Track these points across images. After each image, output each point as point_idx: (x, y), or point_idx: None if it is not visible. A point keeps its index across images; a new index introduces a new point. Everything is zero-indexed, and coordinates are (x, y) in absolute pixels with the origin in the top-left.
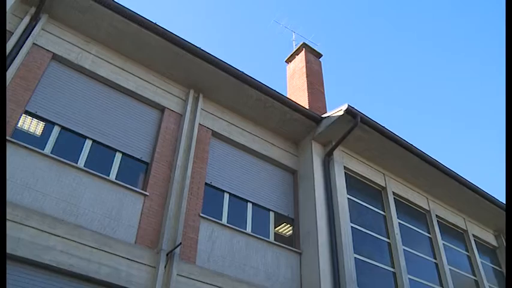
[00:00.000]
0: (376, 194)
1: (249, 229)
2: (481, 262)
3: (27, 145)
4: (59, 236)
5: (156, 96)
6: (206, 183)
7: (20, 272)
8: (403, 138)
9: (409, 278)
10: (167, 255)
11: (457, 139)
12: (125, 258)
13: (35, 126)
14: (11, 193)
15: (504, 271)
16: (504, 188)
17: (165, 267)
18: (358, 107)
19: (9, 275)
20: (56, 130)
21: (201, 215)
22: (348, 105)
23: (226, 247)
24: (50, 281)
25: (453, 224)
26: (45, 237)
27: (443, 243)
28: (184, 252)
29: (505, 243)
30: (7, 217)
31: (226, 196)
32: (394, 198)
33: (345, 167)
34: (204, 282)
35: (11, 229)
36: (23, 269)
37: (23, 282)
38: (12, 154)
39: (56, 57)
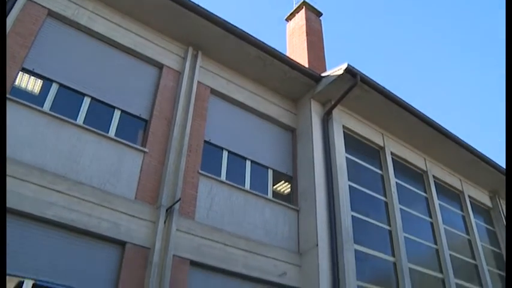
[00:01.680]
0: (374, 153)
1: (247, 186)
2: (475, 222)
3: (26, 102)
4: (60, 192)
5: (154, 53)
6: (205, 141)
7: (24, 226)
8: (403, 99)
9: (405, 236)
10: (167, 210)
11: (457, 101)
12: (124, 213)
13: (32, 84)
14: (12, 150)
15: (496, 231)
16: (502, 151)
17: (164, 222)
18: (357, 66)
19: (13, 229)
20: (54, 87)
21: (200, 171)
22: (348, 64)
23: (225, 203)
24: (53, 235)
25: (449, 185)
26: (47, 193)
27: (439, 203)
28: (183, 208)
29: (499, 205)
30: (9, 173)
31: (225, 153)
32: (392, 158)
33: (343, 126)
34: (203, 237)
35: (13, 185)
36: (27, 223)
37: (27, 236)
38: (11, 111)
39: (51, 14)
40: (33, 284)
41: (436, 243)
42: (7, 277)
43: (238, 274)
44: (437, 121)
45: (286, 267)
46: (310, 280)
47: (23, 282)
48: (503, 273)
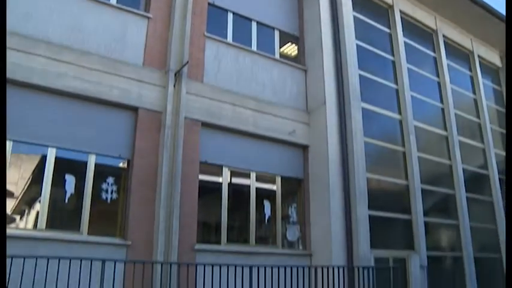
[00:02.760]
0: (382, 11)
1: (254, 47)
2: (483, 82)
3: None
4: (68, 63)
5: None
6: (209, 3)
7: (38, 98)
8: None
9: (412, 95)
10: (175, 74)
11: None
12: (134, 79)
13: None
14: (14, 23)
15: (503, 90)
16: None
17: (174, 86)
18: None
19: (28, 102)
20: None
21: (206, 34)
22: None
23: (233, 65)
24: (67, 105)
25: (459, 44)
26: (55, 65)
27: (447, 63)
28: (191, 71)
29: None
30: (15, 47)
31: (230, 15)
32: (401, 16)
33: None
34: (212, 99)
35: (21, 59)
36: (41, 95)
37: (43, 108)
38: None
39: None
40: (55, 155)
41: (442, 102)
42: (31, 146)
43: (248, 133)
44: None
45: (295, 125)
46: (318, 137)
47: (46, 155)
48: (505, 131)
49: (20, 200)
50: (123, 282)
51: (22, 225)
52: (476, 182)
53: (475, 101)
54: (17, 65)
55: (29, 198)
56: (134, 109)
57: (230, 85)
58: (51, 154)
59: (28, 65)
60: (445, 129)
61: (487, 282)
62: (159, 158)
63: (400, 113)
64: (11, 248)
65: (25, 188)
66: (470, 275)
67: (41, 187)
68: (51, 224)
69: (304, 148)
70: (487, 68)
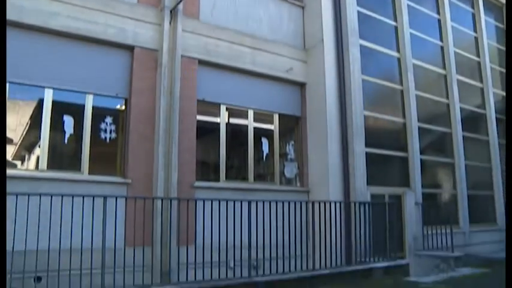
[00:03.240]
0: None
1: None
2: (485, 20)
3: None
4: (60, 1)
5: None
6: None
7: (32, 39)
8: None
9: (411, 32)
10: (171, 12)
11: None
12: (130, 18)
13: None
14: None
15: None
16: None
17: (170, 23)
18: None
19: (22, 42)
20: None
21: None
22: None
23: (229, 2)
24: (61, 45)
25: None
26: (47, 3)
27: (449, 0)
28: (187, 8)
29: None
30: None
31: None
32: None
33: None
34: (209, 37)
35: None
36: (35, 36)
37: (37, 48)
38: None
39: None
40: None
41: (441, 41)
42: (28, 88)
43: (245, 71)
44: None
45: (293, 62)
46: (316, 75)
47: (43, 98)
48: (504, 70)
49: (19, 146)
50: (124, 218)
51: (24, 168)
52: (473, 121)
53: (476, 39)
54: (8, 4)
55: (29, 143)
56: (130, 48)
57: (226, 22)
58: (48, 95)
59: (18, 3)
60: (444, 67)
61: (478, 217)
62: (157, 96)
63: (398, 50)
64: (14, 187)
65: (24, 134)
66: (463, 211)
67: (40, 129)
68: (52, 165)
69: (302, 85)
70: (491, 5)
